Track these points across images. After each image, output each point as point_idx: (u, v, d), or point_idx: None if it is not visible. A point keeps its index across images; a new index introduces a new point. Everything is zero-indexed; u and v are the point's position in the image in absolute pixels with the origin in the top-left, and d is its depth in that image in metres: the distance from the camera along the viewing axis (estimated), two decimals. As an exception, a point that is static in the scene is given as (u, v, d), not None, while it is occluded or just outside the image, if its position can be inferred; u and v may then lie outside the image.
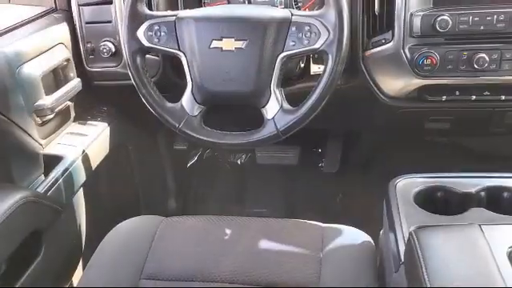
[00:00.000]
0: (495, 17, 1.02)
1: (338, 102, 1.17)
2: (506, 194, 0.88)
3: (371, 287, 0.90)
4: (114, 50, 1.19)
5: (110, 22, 1.20)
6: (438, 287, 0.60)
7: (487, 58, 1.04)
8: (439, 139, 1.54)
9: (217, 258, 0.98)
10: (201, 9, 1.03)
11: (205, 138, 0.99)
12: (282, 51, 0.92)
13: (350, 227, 1.03)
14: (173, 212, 1.76)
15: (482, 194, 0.89)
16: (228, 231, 1.06)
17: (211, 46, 0.94)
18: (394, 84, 1.14)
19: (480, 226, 0.70)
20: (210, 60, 0.95)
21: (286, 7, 1.26)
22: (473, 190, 0.88)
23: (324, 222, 1.06)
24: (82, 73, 1.24)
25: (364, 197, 1.27)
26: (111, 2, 1.19)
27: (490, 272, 0.61)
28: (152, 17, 0.97)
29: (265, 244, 1.01)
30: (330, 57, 0.90)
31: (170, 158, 1.78)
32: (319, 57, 1.14)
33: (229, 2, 1.27)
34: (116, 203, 1.44)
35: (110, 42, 1.20)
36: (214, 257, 0.98)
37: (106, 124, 1.33)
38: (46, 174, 1.12)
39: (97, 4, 1.20)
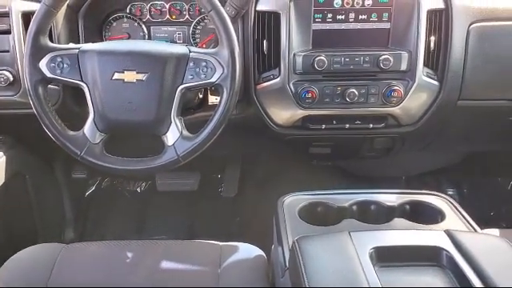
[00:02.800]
0: (362, 58, 1.21)
1: (234, 130, 1.28)
2: (373, 207, 1.05)
3: None
4: (11, 79, 1.18)
5: (7, 51, 1.19)
6: (315, 286, 0.72)
7: (357, 93, 1.22)
8: (323, 162, 1.72)
9: (119, 281, 1.01)
10: (104, 43, 1.08)
11: (107, 165, 1.03)
12: (181, 84, 1.01)
13: (245, 244, 1.13)
14: (70, 242, 1.72)
15: (354, 207, 1.05)
16: (130, 255, 1.09)
17: (113, 78, 0.99)
18: (282, 114, 1.28)
19: (349, 233, 0.84)
20: (112, 91, 1.00)
21: (184, 42, 1.36)
22: (346, 204, 1.04)
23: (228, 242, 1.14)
24: None
25: (259, 217, 1.39)
26: (9, 32, 1.19)
27: (355, 269, 0.74)
28: (55, 49, 1.00)
29: (166, 264, 1.06)
30: (225, 90, 1.00)
31: (68, 187, 1.75)
32: (216, 89, 1.25)
33: (129, 37, 1.33)
34: (12, 233, 1.39)
35: (8, 71, 1.19)
36: (116, 280, 1.01)
37: (2, 153, 1.30)
38: None
39: (-7, 33, 1.19)
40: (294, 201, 1.04)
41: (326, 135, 1.34)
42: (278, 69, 1.23)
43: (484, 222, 1.79)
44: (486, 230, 1.10)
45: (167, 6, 1.33)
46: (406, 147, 1.43)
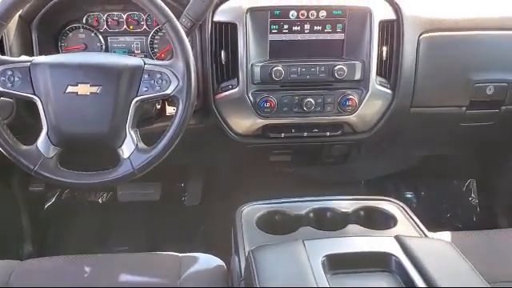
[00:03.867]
0: (318, 68, 1.24)
1: (194, 140, 1.28)
2: (328, 214, 1.08)
3: None
4: (-40, 92, 1.15)
5: None
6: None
7: (313, 102, 1.25)
8: (284, 169, 1.74)
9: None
10: (56, 55, 1.07)
11: (61, 179, 1.02)
12: (136, 96, 1.01)
13: (205, 254, 1.13)
14: (29, 257, 1.68)
15: (311, 214, 1.07)
16: (87, 269, 1.08)
17: (66, 91, 0.98)
18: (242, 123, 1.30)
19: (303, 241, 0.86)
20: (65, 104, 0.99)
21: (142, 52, 1.35)
22: (303, 212, 1.06)
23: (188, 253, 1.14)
24: None
25: (223, 225, 1.40)
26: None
27: (307, 278, 0.76)
28: (5, 62, 0.98)
29: (124, 278, 1.05)
30: (181, 101, 1.01)
31: (25, 200, 1.71)
32: (172, 100, 1.25)
33: (86, 47, 1.32)
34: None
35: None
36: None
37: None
38: None
39: None
40: (252, 210, 1.05)
41: (285, 143, 1.37)
42: (236, 79, 1.24)
43: (441, 223, 1.87)
44: (438, 233, 1.14)
45: (124, 17, 1.32)
46: (362, 153, 1.47)
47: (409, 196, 1.92)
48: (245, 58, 1.22)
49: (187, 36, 1.12)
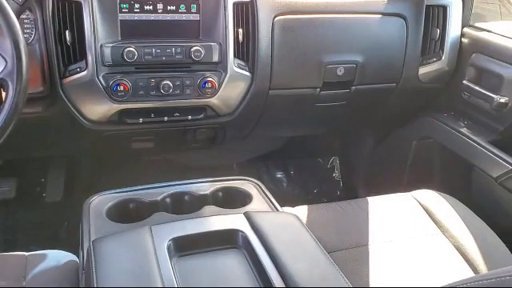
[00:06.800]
0: (173, 49, 1.20)
1: (44, 129, 1.17)
2: (186, 197, 1.06)
3: None
4: None
5: None
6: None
7: (171, 85, 1.21)
8: (151, 157, 1.69)
9: None
10: None
11: None
12: None
13: (55, 250, 1.04)
14: None
15: (168, 200, 1.04)
16: None
17: None
18: (94, 109, 1.21)
19: (150, 227, 0.83)
20: None
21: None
22: (158, 198, 1.02)
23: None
24: None
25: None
26: None
27: (149, 264, 0.73)
28: None
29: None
30: (11, 85, 0.90)
31: None
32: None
33: None
34: None
35: None
36: None
37: None
38: None
39: None
40: (102, 200, 0.99)
41: (145, 129, 1.31)
42: (84, 61, 1.16)
43: (308, 199, 1.97)
44: (296, 208, 1.17)
45: None
46: (228, 136, 1.47)
47: (279, 176, 1.98)
48: (92, 38, 1.14)
49: (20, 13, 1.01)
